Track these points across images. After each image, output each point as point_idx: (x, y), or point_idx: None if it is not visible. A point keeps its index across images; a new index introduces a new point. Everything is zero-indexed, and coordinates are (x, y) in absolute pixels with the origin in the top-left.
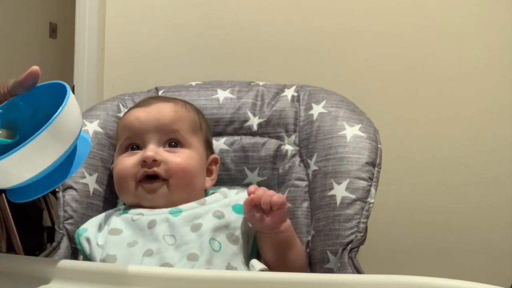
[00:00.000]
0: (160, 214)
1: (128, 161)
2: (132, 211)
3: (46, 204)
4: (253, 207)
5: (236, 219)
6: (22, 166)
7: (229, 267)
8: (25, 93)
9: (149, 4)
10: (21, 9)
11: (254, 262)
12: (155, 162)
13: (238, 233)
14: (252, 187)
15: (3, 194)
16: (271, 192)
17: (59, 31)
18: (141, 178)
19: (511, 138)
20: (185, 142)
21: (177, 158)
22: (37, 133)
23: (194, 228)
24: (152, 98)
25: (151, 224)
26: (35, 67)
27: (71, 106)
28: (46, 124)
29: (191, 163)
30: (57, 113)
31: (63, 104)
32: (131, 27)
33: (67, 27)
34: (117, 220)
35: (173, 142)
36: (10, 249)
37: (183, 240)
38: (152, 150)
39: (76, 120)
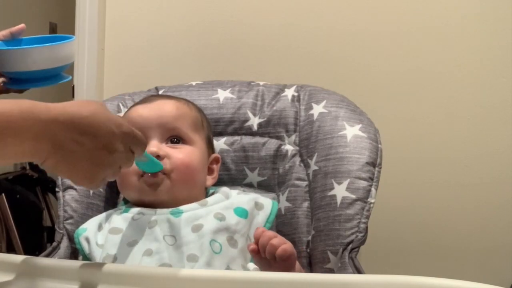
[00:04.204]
0: (161, 214)
1: None
2: (133, 210)
3: (46, 204)
4: (258, 253)
5: (237, 222)
6: (44, 57)
7: (228, 270)
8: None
9: (149, 4)
10: (21, 9)
11: (251, 266)
12: (158, 157)
13: (238, 236)
14: (258, 230)
15: (3, 194)
16: (277, 240)
17: (59, 31)
18: (144, 172)
19: (511, 138)
20: (187, 139)
21: (180, 153)
22: (61, 42)
23: (195, 229)
24: (154, 96)
25: (152, 224)
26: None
27: (75, 43)
28: (68, 40)
29: (193, 158)
30: (73, 38)
31: (74, 37)
32: (131, 27)
33: (67, 27)
34: (118, 219)
35: (175, 139)
36: (10, 249)
37: (183, 241)
38: (155, 145)
39: (74, 52)
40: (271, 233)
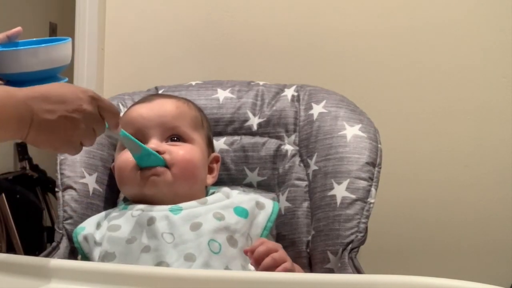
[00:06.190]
0: (160, 211)
1: (130, 154)
2: (132, 207)
3: (46, 204)
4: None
5: (236, 222)
6: (38, 58)
7: (227, 270)
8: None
9: (149, 4)
10: (21, 9)
11: (251, 267)
12: (158, 153)
13: (237, 236)
14: (258, 241)
15: (3, 194)
16: (278, 255)
17: (59, 31)
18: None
19: (511, 137)
20: (187, 137)
21: (180, 150)
22: (56, 43)
23: (194, 227)
24: (154, 95)
25: (151, 221)
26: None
27: (70, 45)
28: (63, 41)
29: (194, 155)
30: (69, 39)
31: (69, 39)
32: (131, 27)
33: (67, 27)
34: (116, 217)
35: (176, 137)
36: (10, 249)
37: (181, 239)
38: (155, 143)
39: (69, 54)
40: (273, 245)
